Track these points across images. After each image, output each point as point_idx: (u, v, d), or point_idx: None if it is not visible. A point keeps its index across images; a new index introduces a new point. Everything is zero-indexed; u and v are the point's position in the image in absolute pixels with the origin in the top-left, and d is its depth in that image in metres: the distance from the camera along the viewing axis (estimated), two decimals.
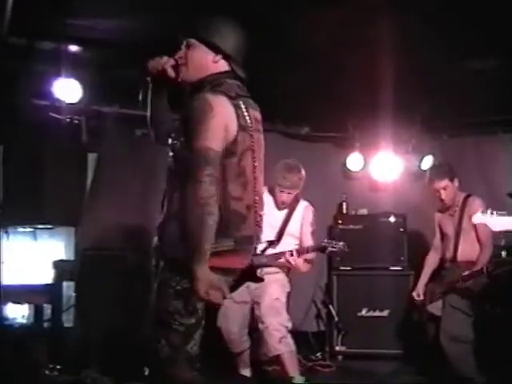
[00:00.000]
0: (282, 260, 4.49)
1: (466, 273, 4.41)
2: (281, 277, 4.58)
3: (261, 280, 4.31)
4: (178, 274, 2.40)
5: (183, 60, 2.60)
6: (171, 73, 2.61)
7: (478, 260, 4.54)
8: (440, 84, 5.15)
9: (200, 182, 2.31)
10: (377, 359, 5.66)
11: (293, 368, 4.40)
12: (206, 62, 2.59)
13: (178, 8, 3.69)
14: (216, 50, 2.59)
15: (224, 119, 2.41)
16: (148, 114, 2.74)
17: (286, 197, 4.58)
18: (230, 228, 2.44)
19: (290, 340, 4.40)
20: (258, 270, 4.41)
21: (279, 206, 4.65)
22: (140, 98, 2.74)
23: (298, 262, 4.45)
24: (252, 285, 4.44)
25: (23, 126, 4.97)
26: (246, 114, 2.52)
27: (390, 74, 4.72)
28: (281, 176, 4.53)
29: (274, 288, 4.46)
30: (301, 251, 4.50)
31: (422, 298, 4.84)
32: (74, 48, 4.53)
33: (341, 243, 4.54)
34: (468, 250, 4.64)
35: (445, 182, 4.66)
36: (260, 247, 4.55)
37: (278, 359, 4.40)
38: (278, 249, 4.58)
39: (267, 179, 4.67)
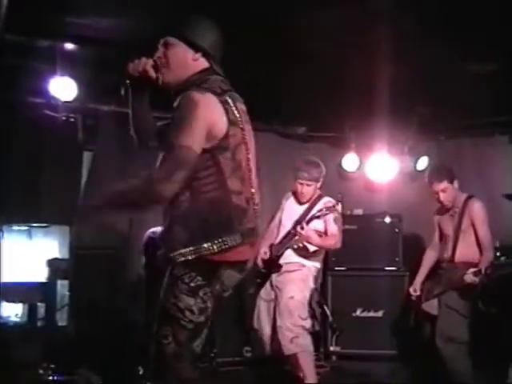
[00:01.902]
0: (296, 237, 4.53)
1: (472, 270, 4.36)
2: (300, 274, 4.57)
3: (280, 267, 4.55)
4: (192, 271, 2.40)
5: (163, 60, 2.57)
6: (152, 74, 2.57)
7: (480, 263, 4.49)
8: (437, 86, 5.16)
9: (173, 182, 2.33)
10: (371, 360, 5.66)
11: (307, 368, 4.44)
12: (186, 60, 2.57)
13: (175, 7, 3.68)
14: (196, 47, 2.57)
15: (209, 119, 2.40)
16: (130, 120, 2.72)
17: (305, 189, 4.63)
18: (234, 222, 2.45)
19: (303, 340, 4.42)
20: (282, 262, 4.59)
21: (300, 200, 4.70)
22: (123, 97, 2.70)
23: (309, 231, 4.45)
24: (274, 281, 4.61)
25: (19, 123, 4.95)
26: (234, 108, 2.53)
27: (388, 76, 4.72)
28: (299, 169, 4.62)
29: (291, 287, 4.50)
30: (308, 221, 4.51)
31: (418, 293, 4.82)
32: (70, 46, 4.52)
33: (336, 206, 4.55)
34: (466, 251, 4.62)
35: (443, 185, 4.62)
36: (278, 238, 4.71)
37: (292, 358, 4.44)
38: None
39: (267, 179, 4.66)
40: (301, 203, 4.72)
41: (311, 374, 4.47)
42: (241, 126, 2.55)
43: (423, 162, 6.30)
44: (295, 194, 4.75)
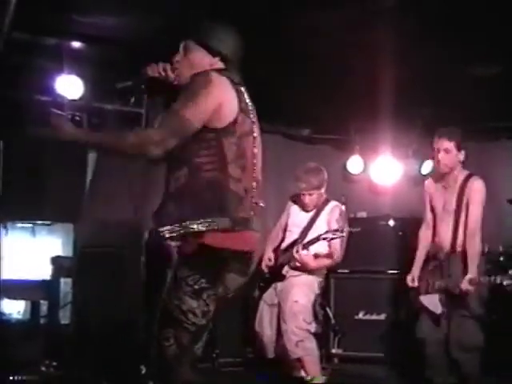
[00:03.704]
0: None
1: (468, 277, 3.99)
2: (305, 279, 4.55)
3: (283, 277, 4.52)
4: (196, 273, 2.40)
5: (181, 63, 2.59)
6: (171, 75, 2.59)
7: (469, 257, 4.12)
8: (442, 89, 5.15)
9: (163, 148, 2.36)
10: (373, 362, 5.65)
11: (313, 370, 4.43)
12: (203, 65, 2.58)
13: (180, 7, 3.69)
14: (214, 52, 2.58)
15: (219, 98, 2.41)
16: (143, 125, 2.74)
17: (308, 199, 4.61)
18: (228, 208, 2.43)
19: (308, 344, 4.40)
20: (285, 272, 4.57)
21: (304, 208, 4.68)
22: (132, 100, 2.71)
23: (304, 256, 4.43)
24: (278, 286, 4.59)
25: (24, 121, 4.96)
26: (247, 99, 2.56)
27: (392, 78, 4.72)
28: (298, 179, 4.59)
29: (295, 290, 4.48)
30: (305, 244, 4.49)
31: (416, 284, 4.41)
32: (76, 44, 4.53)
33: (340, 232, 4.44)
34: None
35: (450, 145, 4.24)
36: (284, 246, 4.68)
37: (298, 361, 4.44)
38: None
39: (271, 181, 4.67)
40: (307, 211, 4.70)
41: (316, 374, 4.45)
42: (252, 118, 2.57)
43: (428, 166, 6.29)
44: (298, 202, 4.72)
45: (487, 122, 5.99)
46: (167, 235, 2.40)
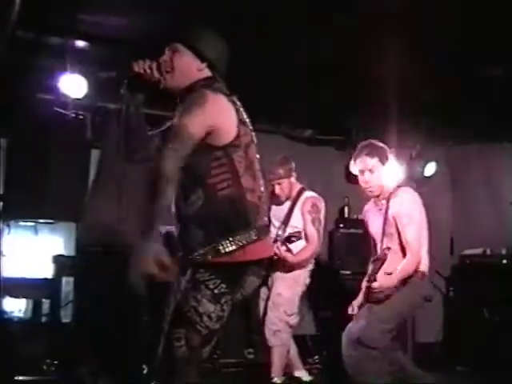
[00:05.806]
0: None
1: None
2: (291, 272, 4.62)
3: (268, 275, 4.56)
4: (218, 278, 2.40)
5: (168, 65, 2.58)
6: (156, 75, 2.57)
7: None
8: (446, 91, 5.15)
9: (163, 155, 2.34)
10: None
11: (277, 362, 4.52)
12: (191, 69, 2.58)
13: (183, 8, 3.70)
14: (202, 58, 2.58)
15: (214, 118, 2.41)
16: (122, 124, 2.67)
17: (278, 189, 4.66)
18: (250, 219, 2.45)
19: (284, 334, 4.52)
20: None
21: (277, 199, 4.71)
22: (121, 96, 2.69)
23: (283, 253, 4.52)
24: (269, 281, 4.67)
25: (28, 119, 4.96)
26: (242, 109, 2.57)
27: (395, 79, 4.72)
28: (268, 171, 4.57)
29: (279, 283, 4.60)
30: (283, 242, 4.57)
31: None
32: (80, 44, 4.54)
33: (298, 233, 4.51)
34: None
35: (372, 162, 3.78)
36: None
37: (270, 352, 4.52)
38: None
39: None
40: (281, 202, 4.73)
41: (279, 368, 4.55)
42: (250, 126, 2.59)
43: (431, 168, 6.29)
44: (272, 196, 4.71)
45: (490, 125, 5.99)
46: (200, 260, 2.41)
